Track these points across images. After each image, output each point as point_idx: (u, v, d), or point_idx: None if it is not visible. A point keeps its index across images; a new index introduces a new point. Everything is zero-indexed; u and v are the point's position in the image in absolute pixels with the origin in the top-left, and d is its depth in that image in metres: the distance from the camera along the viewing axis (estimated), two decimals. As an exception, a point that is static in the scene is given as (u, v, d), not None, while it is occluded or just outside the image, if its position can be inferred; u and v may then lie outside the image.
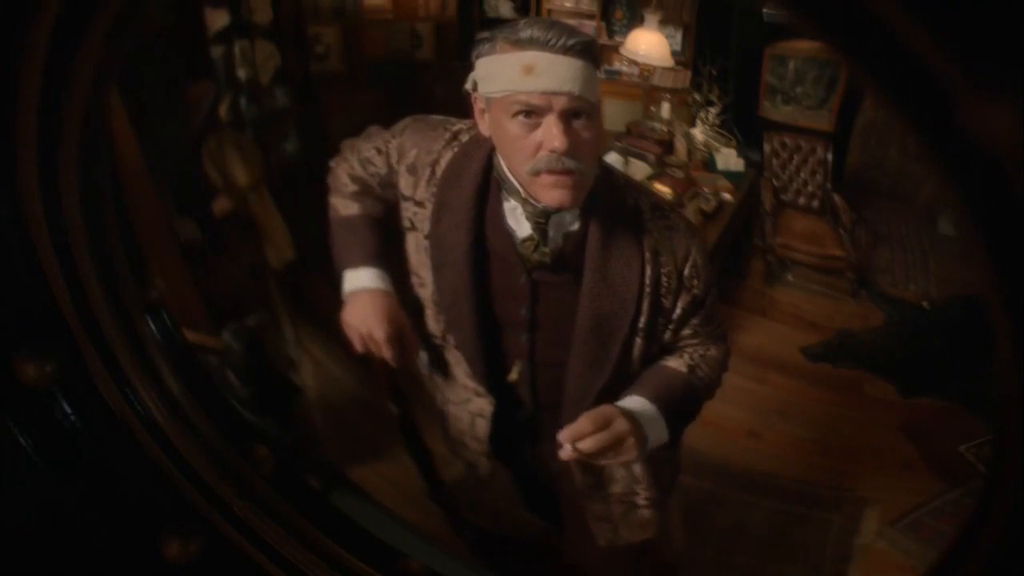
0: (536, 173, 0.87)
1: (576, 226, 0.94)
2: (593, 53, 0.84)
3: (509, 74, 0.85)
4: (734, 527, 1.19)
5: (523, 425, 1.10)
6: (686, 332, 0.99)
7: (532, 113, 0.85)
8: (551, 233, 0.94)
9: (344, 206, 1.11)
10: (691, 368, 1.01)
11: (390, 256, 1.08)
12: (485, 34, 0.89)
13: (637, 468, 1.05)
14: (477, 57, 0.89)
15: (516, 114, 0.85)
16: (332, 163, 1.11)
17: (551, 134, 0.84)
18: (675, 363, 1.01)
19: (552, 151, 0.85)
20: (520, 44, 0.84)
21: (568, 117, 0.84)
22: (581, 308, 0.95)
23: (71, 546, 0.98)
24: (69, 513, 0.97)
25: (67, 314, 0.87)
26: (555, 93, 0.83)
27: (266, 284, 1.37)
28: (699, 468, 1.14)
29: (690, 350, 1.01)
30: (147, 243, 1.00)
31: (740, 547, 1.19)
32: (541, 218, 0.93)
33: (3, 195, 0.79)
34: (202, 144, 1.28)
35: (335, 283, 1.10)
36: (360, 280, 1.08)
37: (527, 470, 1.19)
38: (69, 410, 0.93)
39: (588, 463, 1.07)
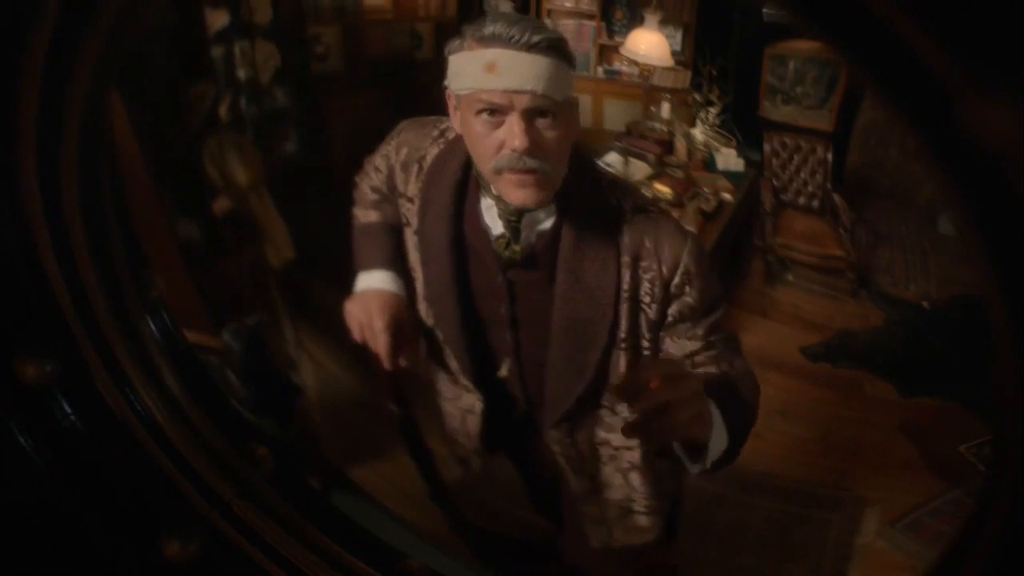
0: (498, 171, 0.86)
1: (549, 224, 0.93)
2: (562, 50, 0.82)
3: (473, 72, 0.84)
4: (734, 527, 1.19)
5: (519, 421, 1.10)
6: (693, 345, 0.93)
7: (495, 112, 0.84)
8: (523, 232, 0.93)
9: (364, 215, 1.13)
10: (723, 373, 0.93)
11: (406, 262, 1.09)
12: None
13: (635, 478, 1.05)
14: (448, 53, 0.88)
15: (480, 112, 0.84)
16: (356, 179, 1.13)
17: (512, 133, 0.83)
18: (701, 371, 0.94)
19: (513, 150, 0.83)
20: (484, 41, 0.83)
21: (531, 116, 0.83)
22: (555, 309, 0.94)
23: (71, 546, 0.98)
24: (69, 513, 0.97)
25: (67, 314, 0.87)
26: (517, 92, 0.81)
27: (266, 284, 1.37)
28: (699, 468, 1.14)
29: (712, 366, 0.94)
30: (147, 243, 0.99)
31: (740, 547, 1.19)
32: (513, 216, 0.92)
33: (3, 195, 0.79)
34: (202, 144, 1.28)
35: (335, 283, 1.10)
36: (371, 281, 1.09)
37: (527, 466, 1.19)
38: (69, 410, 0.93)
39: (587, 467, 1.06)
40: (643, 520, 1.08)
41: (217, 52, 1.22)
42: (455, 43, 0.87)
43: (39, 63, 0.68)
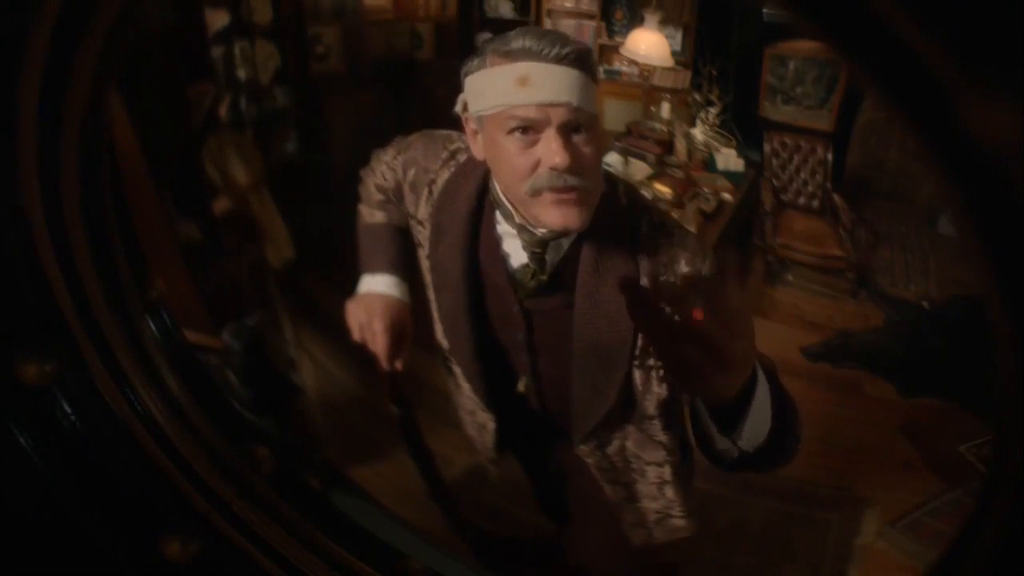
0: (536, 192, 0.82)
1: (568, 245, 0.90)
2: (588, 62, 0.80)
3: (502, 87, 0.79)
4: (734, 527, 1.19)
5: (536, 431, 1.10)
6: None
7: (529, 129, 0.79)
8: (548, 259, 0.90)
9: (369, 214, 1.11)
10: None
11: (411, 266, 1.08)
12: (484, 38, 0.86)
13: (668, 491, 1.04)
14: (466, 75, 0.84)
15: (512, 131, 0.80)
16: (362, 173, 1.11)
17: (551, 150, 0.79)
18: None
19: (553, 168, 0.79)
20: (511, 55, 0.79)
21: (568, 131, 0.79)
22: (575, 336, 0.91)
23: (71, 546, 0.98)
24: (69, 513, 0.97)
25: (67, 314, 0.87)
26: (553, 104, 0.78)
27: (266, 284, 1.37)
28: (700, 469, 1.14)
29: None
30: (147, 243, 0.99)
31: (740, 547, 1.19)
32: (539, 248, 0.89)
33: (3, 195, 0.79)
34: (202, 144, 1.28)
35: (336, 283, 1.10)
36: (375, 284, 1.09)
37: (537, 470, 1.19)
38: (69, 410, 0.93)
39: (622, 478, 1.05)
40: (680, 522, 1.07)
41: (217, 52, 1.22)
42: (473, 62, 0.83)
43: (39, 63, 0.68)
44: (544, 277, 0.91)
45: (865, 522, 1.14)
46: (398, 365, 1.08)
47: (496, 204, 0.91)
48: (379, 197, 1.10)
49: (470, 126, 0.88)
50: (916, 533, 1.08)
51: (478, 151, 0.88)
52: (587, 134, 0.80)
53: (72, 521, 0.97)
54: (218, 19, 1.22)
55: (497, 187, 0.90)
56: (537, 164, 0.80)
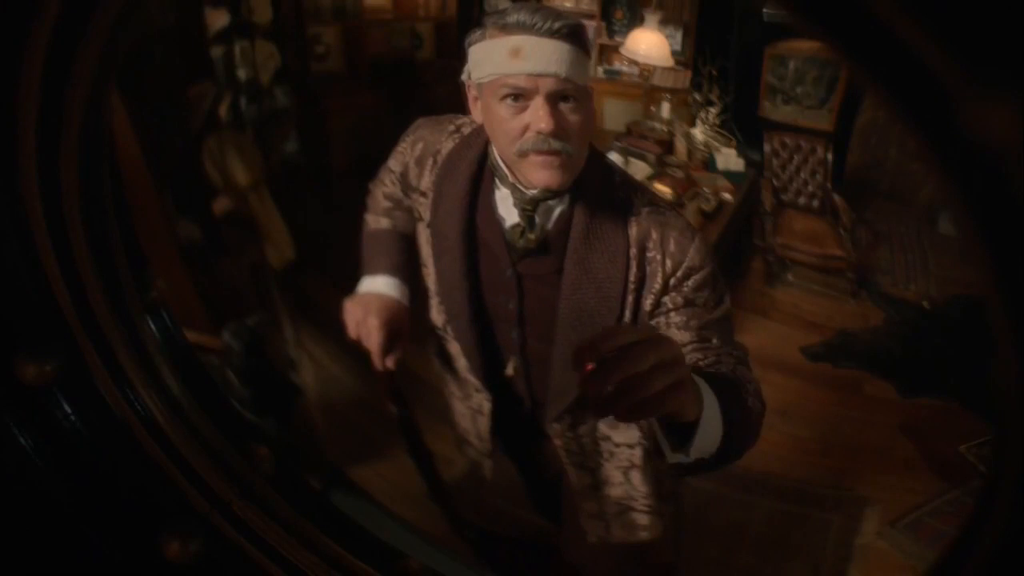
0: (523, 154, 0.88)
1: (561, 211, 0.94)
2: (580, 36, 0.85)
3: (497, 58, 0.86)
4: (734, 527, 1.19)
5: (525, 421, 1.10)
6: (683, 337, 0.90)
7: (520, 96, 0.86)
8: (538, 220, 0.95)
9: (375, 221, 1.14)
10: (727, 372, 0.88)
11: (413, 273, 1.10)
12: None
13: (635, 476, 1.05)
14: (469, 45, 0.91)
15: (504, 97, 0.87)
16: (370, 186, 1.14)
17: (537, 116, 0.85)
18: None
19: (539, 132, 0.85)
20: (508, 28, 0.85)
21: (555, 100, 0.85)
22: (562, 300, 0.95)
23: (71, 546, 0.98)
24: (69, 513, 0.97)
25: (67, 314, 0.87)
26: (541, 75, 0.84)
27: (266, 284, 1.37)
28: (699, 468, 1.14)
29: (703, 362, 0.89)
30: (147, 243, 0.99)
31: (740, 547, 1.19)
32: (529, 206, 0.94)
33: (3, 195, 0.79)
34: (202, 144, 1.28)
35: (335, 283, 1.11)
36: (375, 285, 1.11)
37: (530, 466, 1.19)
38: (69, 410, 0.93)
39: (588, 462, 1.07)
40: (642, 519, 1.08)
41: (217, 52, 1.22)
42: (476, 34, 0.89)
43: (39, 63, 0.68)
44: (532, 236, 0.95)
45: (865, 522, 1.14)
46: (389, 363, 1.08)
47: (494, 168, 0.96)
48: (386, 204, 1.13)
49: (471, 92, 0.94)
50: (916, 533, 1.08)
51: (477, 115, 0.94)
52: (575, 103, 0.86)
53: (72, 521, 0.97)
54: (218, 19, 1.22)
55: (494, 150, 0.95)
56: (526, 128, 0.87)
